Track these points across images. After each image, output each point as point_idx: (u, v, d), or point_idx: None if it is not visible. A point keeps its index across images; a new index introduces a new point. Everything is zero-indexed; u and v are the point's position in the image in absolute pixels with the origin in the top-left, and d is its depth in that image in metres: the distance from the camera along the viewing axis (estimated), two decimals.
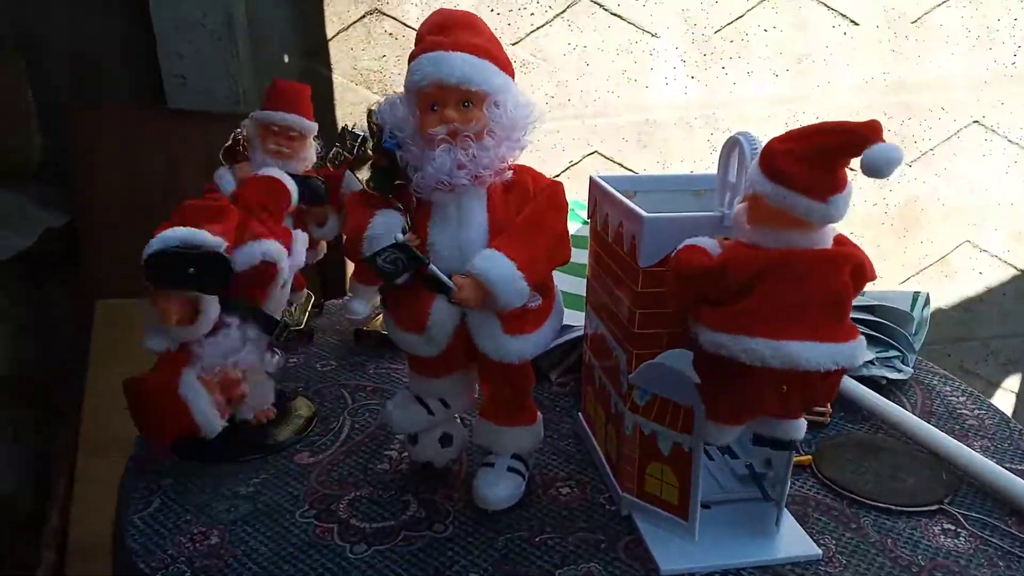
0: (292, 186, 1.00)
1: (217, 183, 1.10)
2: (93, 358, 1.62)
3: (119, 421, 1.03)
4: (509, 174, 0.73)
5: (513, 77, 0.73)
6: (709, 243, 0.67)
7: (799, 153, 0.59)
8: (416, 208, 0.74)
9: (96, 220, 1.81)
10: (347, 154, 0.80)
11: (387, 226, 0.72)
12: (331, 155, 1.07)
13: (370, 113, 0.75)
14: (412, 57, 0.71)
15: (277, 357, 0.89)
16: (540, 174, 0.76)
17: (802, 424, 0.70)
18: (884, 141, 0.56)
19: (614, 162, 2.01)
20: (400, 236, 0.70)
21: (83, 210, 1.82)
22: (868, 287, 1.13)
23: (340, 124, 1.99)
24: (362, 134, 0.75)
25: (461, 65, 0.69)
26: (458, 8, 0.79)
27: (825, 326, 0.60)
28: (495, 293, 0.69)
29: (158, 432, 0.83)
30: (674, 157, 1.98)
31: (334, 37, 1.92)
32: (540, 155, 1.97)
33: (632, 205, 0.75)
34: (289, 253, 0.87)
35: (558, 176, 2.00)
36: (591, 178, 0.87)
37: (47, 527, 1.46)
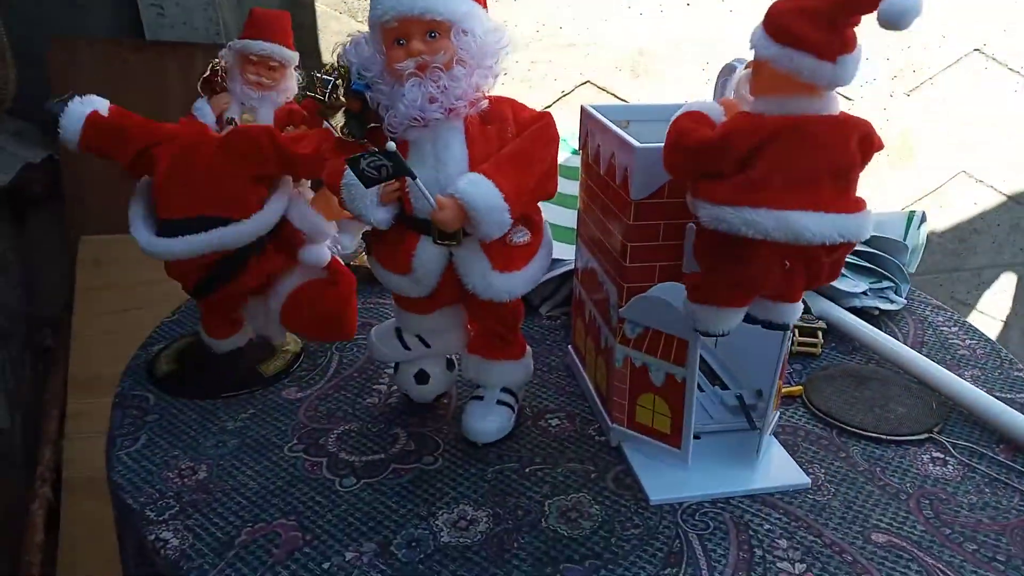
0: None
1: (195, 115, 1.07)
2: (78, 296, 1.60)
3: (106, 358, 1.02)
4: (485, 104, 0.70)
5: (483, 3, 0.70)
6: (711, 108, 0.64)
7: (806, 9, 0.55)
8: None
9: (78, 155, 1.77)
10: (320, 101, 0.77)
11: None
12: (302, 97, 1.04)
13: (336, 56, 0.72)
14: None
15: None
16: (522, 104, 0.73)
17: (798, 308, 0.67)
18: None
19: (607, 92, 1.96)
20: (391, 145, 0.67)
21: (64, 145, 1.78)
22: None
23: (324, 54, 1.93)
24: (331, 79, 0.72)
25: None
26: None
27: (831, 196, 0.57)
28: (477, 220, 0.67)
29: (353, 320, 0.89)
30: (668, 87, 1.94)
31: None
32: (530, 85, 1.93)
33: (624, 135, 0.73)
34: None
35: (549, 107, 1.96)
36: (582, 107, 0.84)
37: (41, 464, 1.46)
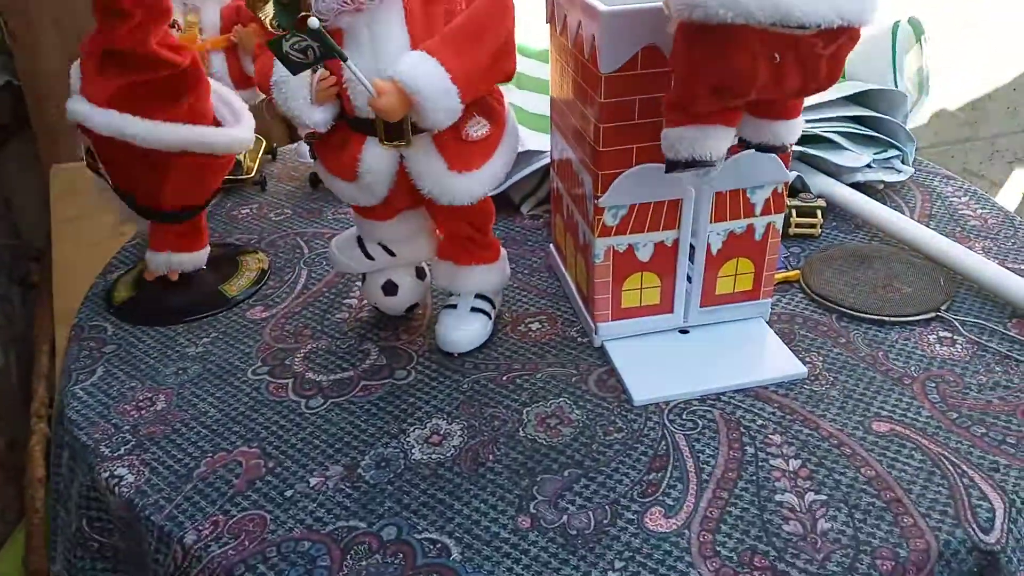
0: None
1: None
2: (55, 228, 1.55)
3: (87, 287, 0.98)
4: None
5: None
6: None
7: None
8: None
9: (41, 79, 1.69)
10: None
11: None
12: None
13: None
14: None
15: None
16: None
17: (798, 125, 0.61)
18: None
19: None
20: (315, 22, 0.59)
21: (25, 70, 1.69)
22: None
23: None
24: None
25: None
26: None
27: None
28: (421, 103, 0.60)
29: None
30: None
31: None
32: None
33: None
34: None
35: None
36: None
37: (35, 400, 1.45)
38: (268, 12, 0.65)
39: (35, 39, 1.66)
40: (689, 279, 0.73)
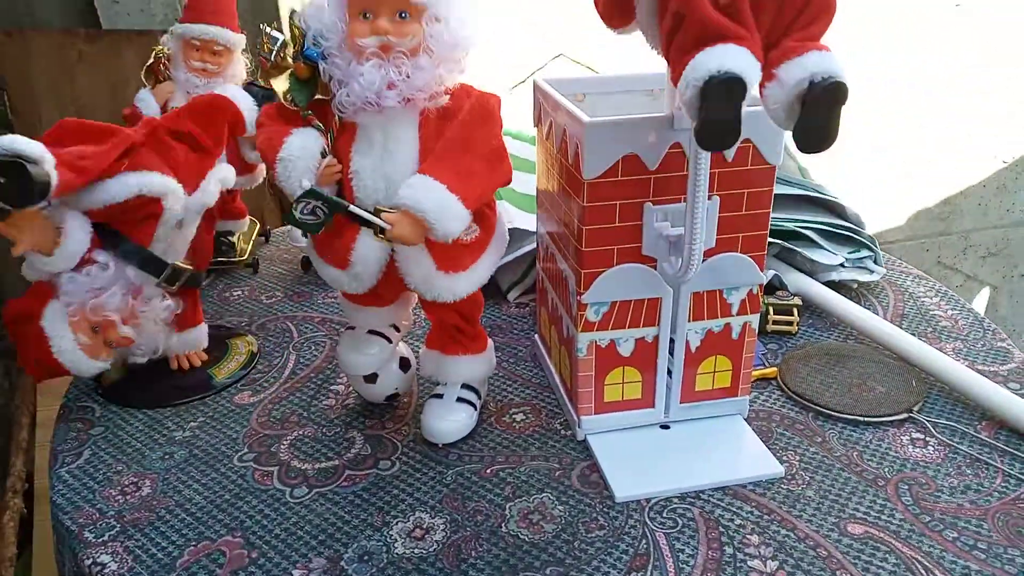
0: (247, 107, 0.92)
1: (138, 106, 1.02)
2: None
3: None
4: (445, 99, 0.65)
5: None
6: None
7: None
8: (338, 129, 0.67)
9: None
10: (264, 59, 0.72)
11: (303, 149, 0.65)
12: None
13: (292, 15, 0.67)
14: None
15: (168, 303, 0.80)
16: (476, 90, 0.68)
17: (830, 56, 0.52)
18: None
19: (581, 64, 1.91)
20: (306, 183, 0.63)
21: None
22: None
23: (286, 25, 1.88)
24: (281, 37, 0.68)
25: None
26: None
27: None
28: (432, 224, 0.63)
29: (27, 363, 0.77)
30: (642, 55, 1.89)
31: None
32: (501, 60, 1.88)
33: (575, 109, 0.68)
34: (193, 190, 0.79)
35: (523, 82, 1.91)
36: (535, 82, 0.79)
37: (12, 474, 1.43)
38: (283, 84, 0.68)
39: (36, 113, 1.71)
40: (670, 373, 0.76)
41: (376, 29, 0.62)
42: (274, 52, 0.69)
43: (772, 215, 0.99)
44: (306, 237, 0.80)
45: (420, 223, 0.63)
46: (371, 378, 0.77)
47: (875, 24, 1.92)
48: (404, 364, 0.80)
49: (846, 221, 1.02)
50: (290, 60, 0.67)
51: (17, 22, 1.77)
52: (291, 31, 0.67)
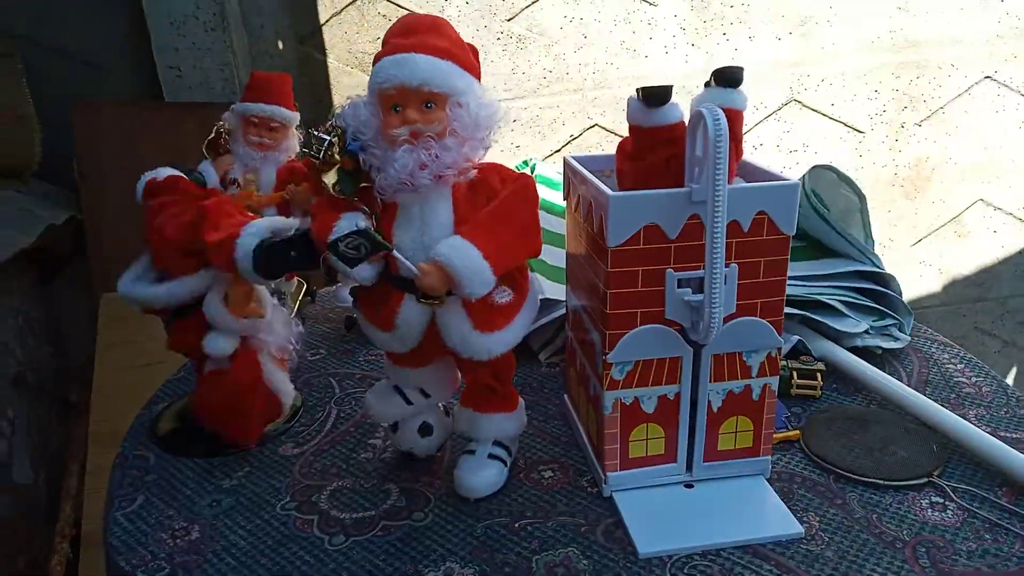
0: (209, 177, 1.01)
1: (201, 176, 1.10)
2: (99, 352, 1.64)
3: (125, 413, 1.04)
4: (473, 173, 0.72)
5: (479, 78, 0.73)
6: None
7: None
8: (381, 210, 0.73)
9: (101, 215, 1.83)
10: (314, 158, 0.79)
11: (352, 227, 0.72)
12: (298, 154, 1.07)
13: (334, 116, 0.75)
14: (376, 59, 0.71)
15: (300, 327, 0.93)
16: (509, 170, 0.75)
17: None
18: None
19: (615, 134, 1.98)
20: (361, 223, 0.69)
21: (88, 206, 1.84)
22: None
23: (337, 108, 1.98)
24: (328, 138, 0.75)
25: (424, 66, 0.68)
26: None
27: None
28: (459, 280, 0.69)
29: (251, 426, 0.87)
30: None
31: (328, 21, 1.91)
32: (540, 130, 1.95)
33: (599, 183, 0.74)
34: None
35: (558, 151, 1.98)
36: (565, 159, 0.85)
37: (61, 519, 1.49)
38: (332, 178, 0.75)
39: (102, 180, 1.82)
40: (695, 434, 0.79)
41: (406, 119, 0.69)
42: (323, 151, 0.75)
43: (801, 283, 1.03)
44: (350, 297, 0.86)
45: (449, 278, 0.69)
46: (427, 431, 0.83)
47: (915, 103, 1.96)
48: (425, 428, 0.83)
49: (883, 287, 1.05)
50: (337, 157, 0.74)
51: (91, 94, 1.90)
52: (335, 129, 0.74)
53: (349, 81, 1.95)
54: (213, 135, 1.13)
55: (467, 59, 0.72)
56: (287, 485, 0.82)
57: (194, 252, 0.82)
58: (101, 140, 1.85)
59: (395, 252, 0.70)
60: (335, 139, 0.72)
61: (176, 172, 0.89)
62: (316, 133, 0.83)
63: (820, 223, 1.10)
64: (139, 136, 1.87)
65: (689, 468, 0.79)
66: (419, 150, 0.69)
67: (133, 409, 1.02)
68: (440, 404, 0.85)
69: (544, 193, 1.43)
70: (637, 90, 0.72)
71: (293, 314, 1.16)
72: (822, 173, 1.13)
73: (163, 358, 1.56)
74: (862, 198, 1.12)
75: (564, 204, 0.87)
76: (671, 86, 0.71)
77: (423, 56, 0.69)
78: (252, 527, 0.76)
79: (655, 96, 0.71)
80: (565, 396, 0.95)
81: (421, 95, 0.69)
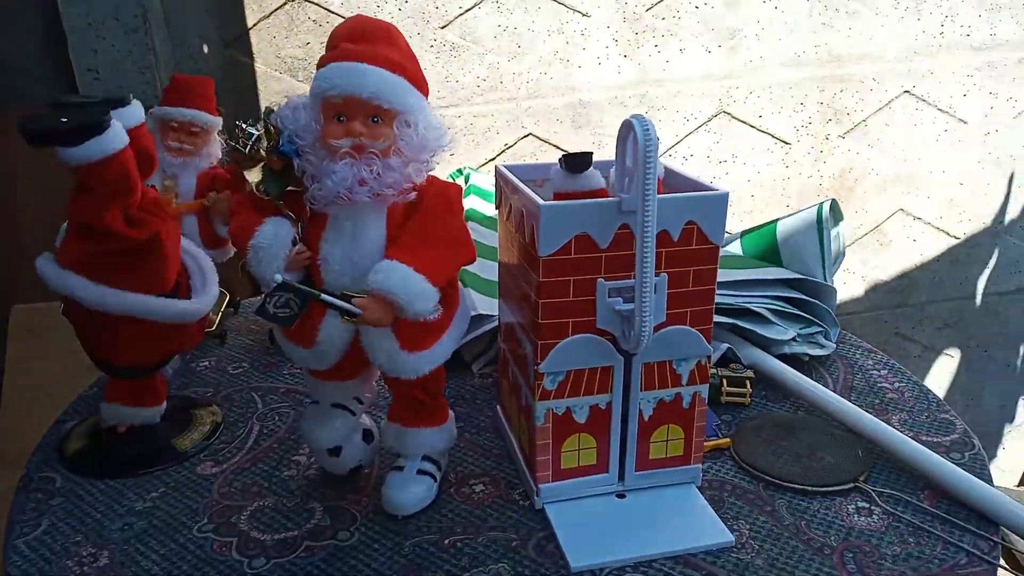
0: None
1: None
2: (8, 367, 1.55)
3: (36, 432, 0.99)
4: (412, 196, 0.69)
5: (427, 96, 0.70)
6: None
7: None
8: (309, 218, 0.70)
9: (12, 224, 1.74)
10: (239, 151, 0.76)
11: (275, 236, 0.68)
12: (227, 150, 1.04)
13: (268, 112, 0.71)
14: (322, 62, 0.67)
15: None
16: (437, 179, 0.72)
17: None
18: None
19: (549, 143, 1.98)
20: (279, 277, 0.66)
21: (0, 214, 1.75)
22: (774, 211, 1.13)
23: (273, 105, 1.93)
24: (257, 132, 0.71)
25: (375, 79, 0.65)
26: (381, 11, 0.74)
27: None
28: (402, 304, 0.66)
29: None
30: (609, 137, 1.96)
31: (255, 25, 1.86)
32: (474, 139, 1.94)
33: (530, 193, 0.72)
34: None
35: (492, 160, 1.97)
36: (496, 168, 0.84)
37: None
38: (255, 176, 0.72)
39: (11, 192, 1.73)
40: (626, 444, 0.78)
41: (350, 131, 0.66)
42: (249, 146, 0.72)
43: (730, 293, 1.04)
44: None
45: (391, 306, 0.66)
46: (335, 452, 0.79)
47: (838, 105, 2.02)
48: (367, 436, 0.82)
49: (810, 296, 1.06)
50: (263, 154, 0.70)
51: (1, 98, 1.81)
52: (266, 128, 0.71)
53: (277, 86, 1.90)
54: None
55: (418, 75, 0.70)
56: (204, 506, 0.78)
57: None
58: (11, 145, 1.76)
59: (324, 297, 0.67)
60: (262, 134, 0.69)
61: None
62: (244, 126, 0.79)
63: (815, 248, 1.11)
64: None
65: (621, 478, 0.79)
66: (361, 165, 0.66)
67: (43, 428, 0.97)
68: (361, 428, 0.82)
69: (477, 205, 1.41)
70: (559, 159, 0.71)
71: (215, 326, 1.12)
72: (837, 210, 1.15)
73: (77, 372, 1.49)
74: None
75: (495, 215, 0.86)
76: (591, 153, 0.71)
77: (375, 68, 0.66)
78: (166, 551, 0.72)
79: (576, 163, 0.71)
80: (498, 407, 0.93)
81: (369, 108, 0.66)
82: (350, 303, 0.66)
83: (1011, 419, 2.37)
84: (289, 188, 0.70)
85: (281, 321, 0.67)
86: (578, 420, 0.76)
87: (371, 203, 0.68)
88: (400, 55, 0.69)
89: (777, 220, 1.17)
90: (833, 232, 1.12)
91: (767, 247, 1.16)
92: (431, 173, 0.72)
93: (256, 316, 1.17)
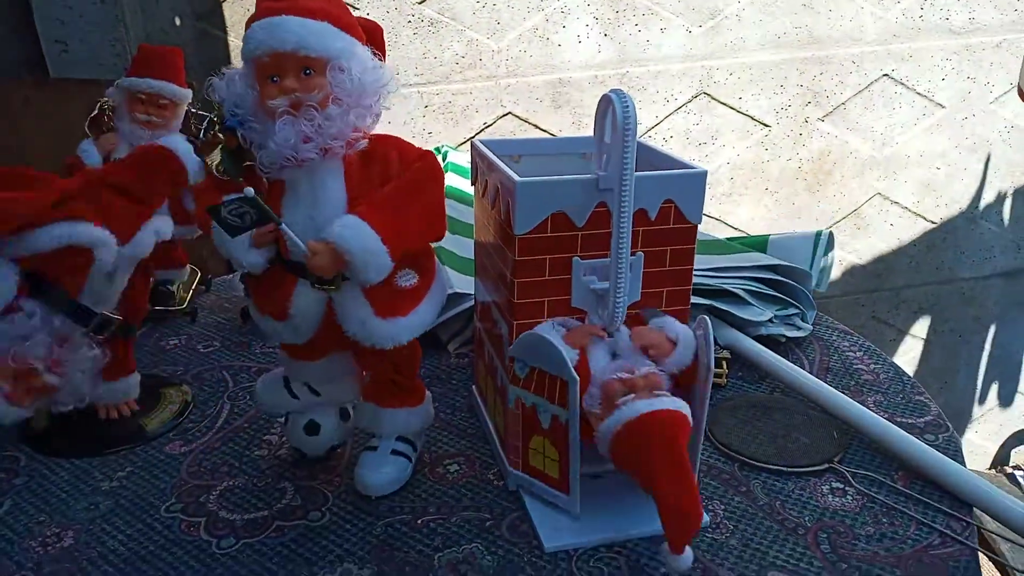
0: (190, 160, 0.91)
1: (81, 156, 1.03)
2: None
3: None
4: (364, 143, 0.67)
5: (362, 40, 0.68)
6: None
7: None
8: (268, 189, 0.68)
9: None
10: (195, 139, 0.74)
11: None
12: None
13: (207, 89, 0.69)
14: (247, 25, 0.65)
15: (95, 352, 0.78)
16: (408, 144, 0.70)
17: None
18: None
19: (529, 123, 1.96)
20: (250, 191, 0.64)
21: None
22: (774, 228, 1.13)
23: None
24: (208, 115, 0.69)
25: (296, 30, 0.63)
26: None
27: None
28: (353, 263, 0.64)
29: None
30: (588, 116, 1.95)
31: None
32: (452, 116, 1.92)
33: (506, 169, 0.71)
34: (126, 241, 0.79)
35: (472, 139, 1.95)
36: (472, 143, 0.83)
37: None
38: (215, 158, 0.70)
39: None
40: None
41: (284, 89, 0.64)
42: (203, 131, 0.70)
43: (708, 274, 1.03)
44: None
45: (340, 260, 0.65)
46: (313, 430, 0.77)
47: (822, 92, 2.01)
48: (344, 414, 0.81)
49: (785, 278, 1.06)
50: (220, 135, 0.68)
51: None
52: (211, 106, 0.69)
53: None
54: (96, 112, 1.06)
55: (345, 19, 0.67)
56: (173, 485, 0.77)
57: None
58: None
59: (283, 226, 0.65)
60: (215, 116, 0.67)
61: None
62: (195, 111, 0.77)
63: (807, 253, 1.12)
64: (20, 115, 1.74)
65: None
66: (300, 121, 0.64)
67: None
68: (336, 403, 0.80)
69: (455, 181, 1.40)
70: None
71: (186, 304, 1.10)
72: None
73: None
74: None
75: (471, 191, 0.84)
76: None
77: (295, 18, 0.64)
78: (133, 531, 0.70)
79: None
80: (473, 387, 0.92)
81: (298, 61, 0.64)
82: (304, 245, 0.65)
83: (983, 403, 2.40)
84: (247, 163, 0.69)
85: (227, 228, 0.64)
86: (543, 424, 0.71)
87: (322, 160, 0.66)
88: (320, 1, 0.66)
89: (770, 235, 1.18)
90: (826, 251, 1.13)
91: (754, 245, 1.16)
92: (396, 136, 0.70)
93: (230, 291, 1.15)
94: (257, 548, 0.69)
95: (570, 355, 0.67)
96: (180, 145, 0.96)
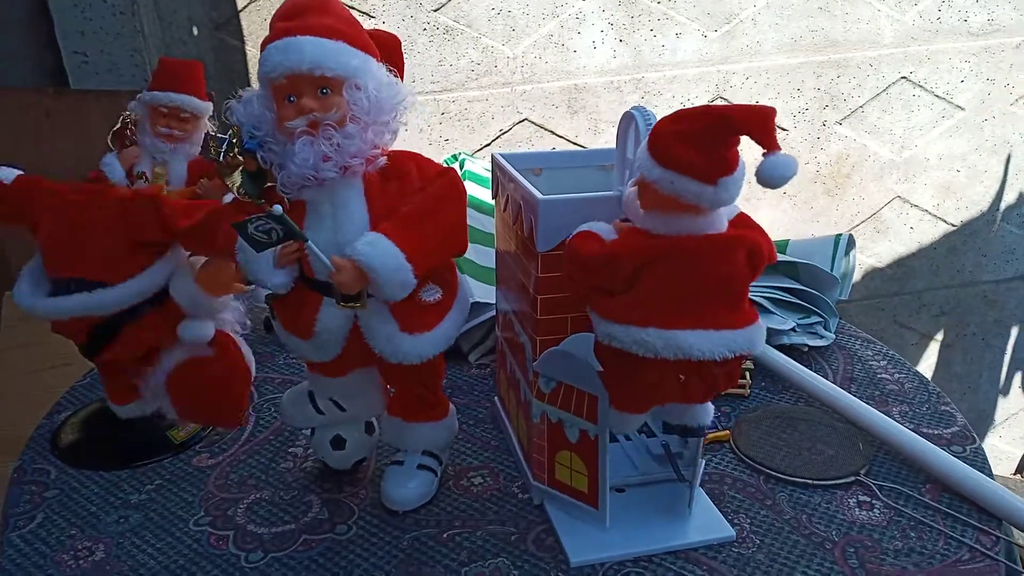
0: None
1: (104, 170, 1.03)
2: (0, 355, 1.54)
3: (28, 424, 0.98)
4: (383, 160, 0.68)
5: (377, 57, 0.68)
6: (604, 228, 0.63)
7: (684, 133, 0.55)
8: (288, 210, 0.69)
9: None
10: (215, 160, 0.74)
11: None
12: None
13: (225, 112, 0.70)
14: (262, 47, 0.66)
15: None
16: (428, 161, 0.71)
17: (709, 409, 0.67)
18: (774, 124, 0.53)
19: (545, 129, 1.96)
20: (278, 209, 0.64)
21: None
22: (793, 233, 1.12)
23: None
24: (226, 137, 0.69)
25: (312, 50, 0.63)
26: None
27: (718, 313, 0.58)
28: (377, 280, 0.65)
29: (243, 404, 0.84)
30: (605, 122, 1.94)
31: (246, 7, 1.83)
32: (469, 123, 1.92)
33: (528, 186, 0.71)
34: None
35: (487, 146, 1.96)
36: (493, 156, 0.83)
37: None
38: (235, 180, 0.70)
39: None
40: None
41: (301, 109, 0.64)
42: (223, 152, 0.70)
43: None
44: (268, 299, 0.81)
45: (364, 277, 0.65)
46: (339, 445, 0.78)
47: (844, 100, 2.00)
48: (369, 428, 0.81)
49: (807, 286, 1.06)
50: (239, 157, 0.69)
51: None
52: (232, 128, 0.69)
53: None
54: (119, 125, 1.06)
55: (359, 36, 0.67)
56: (200, 499, 0.77)
57: (146, 245, 0.77)
58: (1, 129, 1.73)
59: (309, 243, 0.65)
60: (234, 139, 0.67)
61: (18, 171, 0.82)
62: (213, 133, 0.77)
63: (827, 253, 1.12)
64: (43, 124, 1.76)
65: (609, 520, 0.73)
66: (319, 141, 0.64)
67: (35, 418, 0.96)
68: (363, 418, 0.81)
69: (473, 191, 1.40)
70: None
71: None
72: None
73: (70, 361, 1.47)
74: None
75: (492, 201, 0.84)
76: None
77: (310, 38, 0.64)
78: (162, 545, 0.71)
79: None
80: (496, 398, 0.92)
81: (315, 81, 0.64)
82: (329, 262, 0.65)
83: (1007, 407, 2.38)
84: (268, 185, 0.69)
85: (254, 244, 0.64)
86: (570, 438, 0.72)
87: (342, 179, 0.66)
88: (334, 19, 0.67)
89: (789, 240, 1.18)
90: (847, 253, 1.12)
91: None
92: (427, 156, 0.71)
93: (253, 303, 1.16)
94: (285, 562, 0.69)
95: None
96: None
